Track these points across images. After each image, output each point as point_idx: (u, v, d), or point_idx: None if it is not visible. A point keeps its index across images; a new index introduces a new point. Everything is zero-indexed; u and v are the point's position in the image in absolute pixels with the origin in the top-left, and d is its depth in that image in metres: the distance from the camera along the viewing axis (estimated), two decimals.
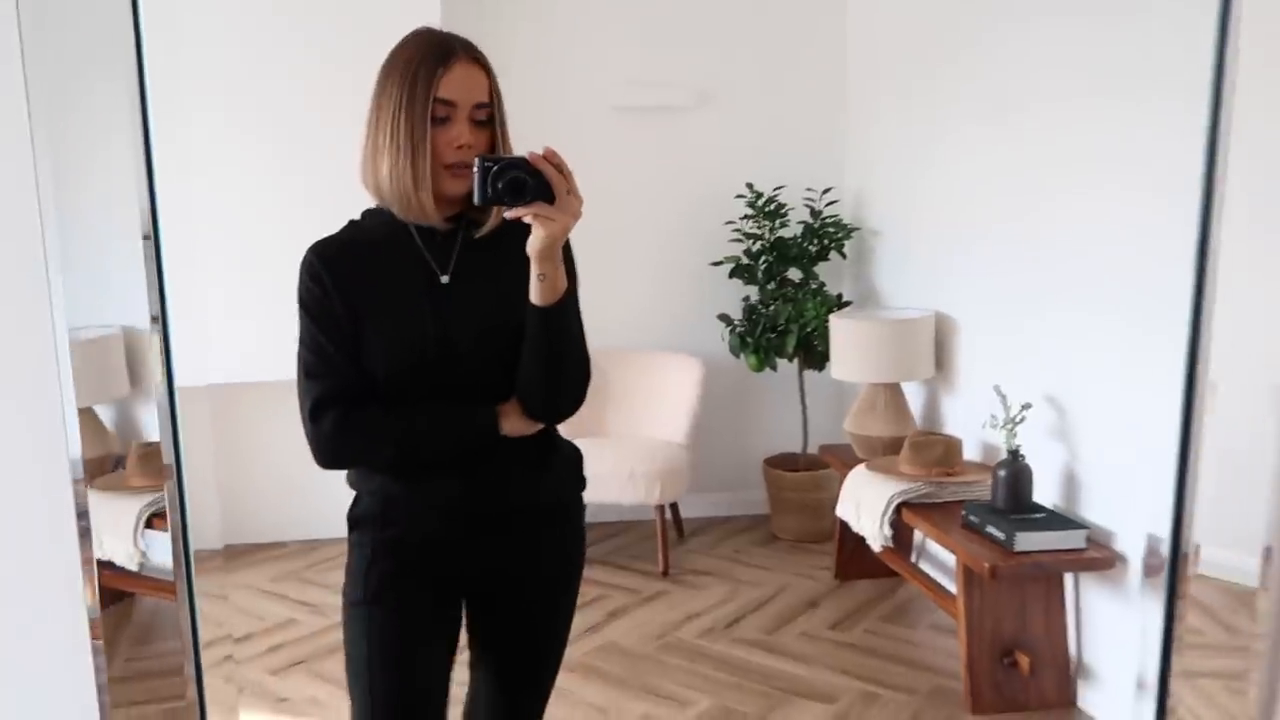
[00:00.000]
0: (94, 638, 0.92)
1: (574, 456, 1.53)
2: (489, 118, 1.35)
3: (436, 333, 1.35)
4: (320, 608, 3.27)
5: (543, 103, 3.82)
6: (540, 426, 1.42)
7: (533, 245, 1.30)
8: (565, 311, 1.35)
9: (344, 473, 1.47)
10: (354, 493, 1.48)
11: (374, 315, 1.36)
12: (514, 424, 1.38)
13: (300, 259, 1.39)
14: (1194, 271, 0.89)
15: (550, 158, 1.27)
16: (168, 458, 0.87)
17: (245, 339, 3.51)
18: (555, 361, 1.36)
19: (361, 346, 1.36)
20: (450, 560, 1.44)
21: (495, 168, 1.25)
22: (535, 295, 1.33)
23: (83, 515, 0.98)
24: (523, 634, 1.52)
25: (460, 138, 1.32)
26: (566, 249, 1.39)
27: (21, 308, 0.99)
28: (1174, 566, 1.12)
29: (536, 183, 1.25)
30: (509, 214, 1.28)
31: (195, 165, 3.33)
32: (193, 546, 0.99)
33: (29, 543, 1.06)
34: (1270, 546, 1.04)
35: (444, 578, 1.45)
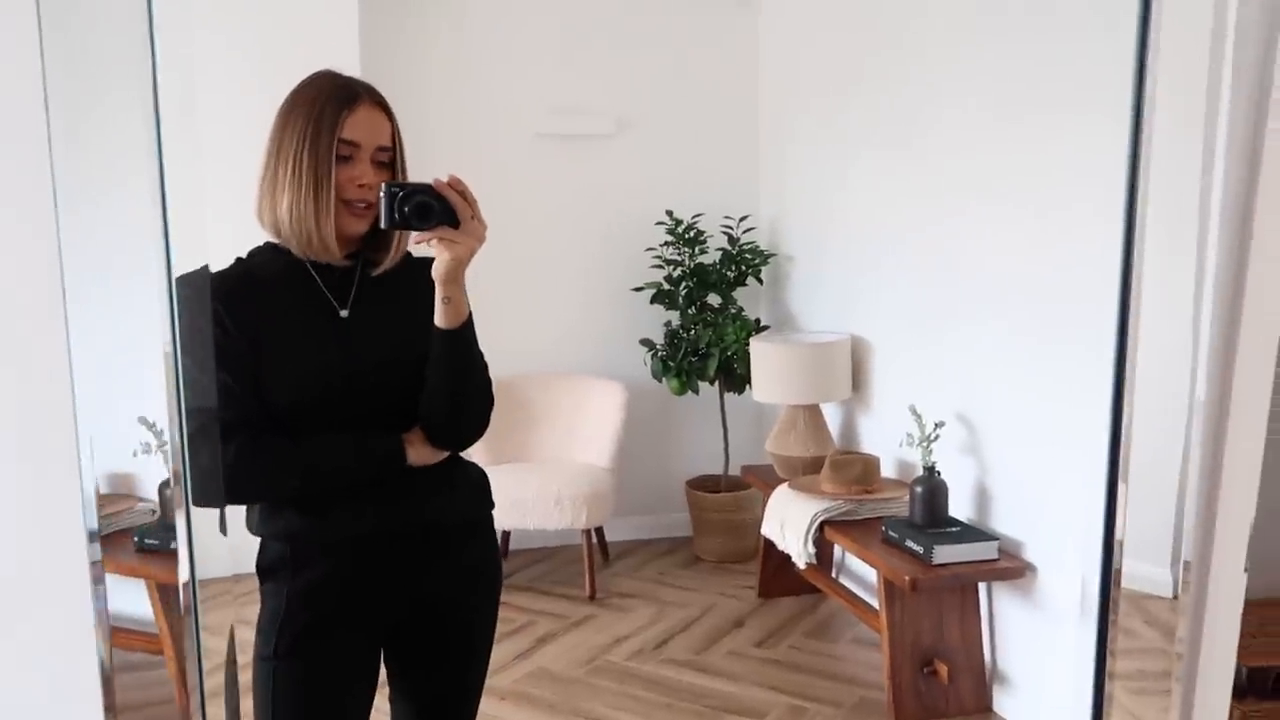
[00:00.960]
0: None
1: (479, 477, 1.54)
2: (390, 160, 1.39)
3: (339, 364, 1.37)
4: (245, 645, 3.17)
5: (464, 131, 3.84)
6: (445, 455, 1.43)
7: (438, 269, 1.34)
8: (469, 335, 1.39)
9: (245, 518, 1.43)
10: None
11: (275, 349, 1.36)
12: (419, 452, 1.40)
13: None
14: (1119, 287, 0.97)
15: (455, 184, 1.31)
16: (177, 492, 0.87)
17: None
18: (460, 385, 1.40)
19: (263, 380, 1.35)
20: (367, 597, 1.42)
21: (401, 193, 1.30)
22: (440, 318, 1.36)
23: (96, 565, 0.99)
24: (443, 657, 1.51)
25: (362, 177, 1.35)
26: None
27: (38, 343, 0.99)
28: (1106, 583, 1.18)
29: (442, 207, 1.30)
30: (416, 238, 1.33)
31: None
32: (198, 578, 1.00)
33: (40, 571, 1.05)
34: (1188, 560, 1.11)
35: (362, 619, 1.43)
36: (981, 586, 2.66)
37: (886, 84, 3.14)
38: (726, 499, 3.88)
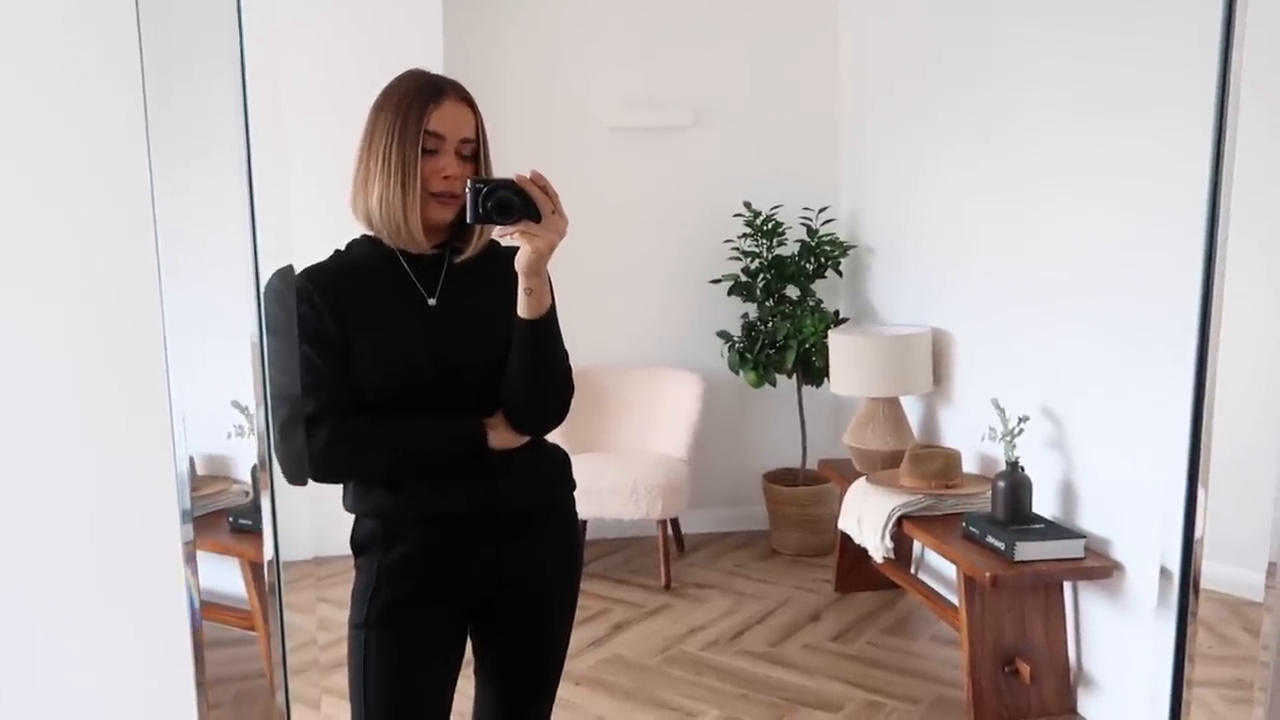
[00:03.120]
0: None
1: (561, 460, 1.58)
2: (474, 152, 1.44)
3: (426, 350, 1.43)
4: (325, 623, 3.28)
5: (541, 126, 3.89)
6: (526, 439, 1.48)
7: (520, 261, 1.38)
8: (550, 325, 1.44)
9: (340, 497, 1.50)
10: (353, 517, 1.51)
11: (365, 335, 1.42)
12: (501, 436, 1.45)
13: None
14: (1201, 286, 0.94)
15: (536, 180, 1.36)
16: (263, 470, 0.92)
17: None
18: (541, 373, 1.45)
19: (352, 365, 1.42)
20: (453, 573, 1.48)
21: (485, 189, 1.35)
22: (523, 309, 1.41)
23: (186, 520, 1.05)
24: (523, 635, 1.56)
25: (447, 169, 1.41)
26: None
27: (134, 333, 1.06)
28: (1185, 585, 1.15)
29: (523, 202, 1.35)
30: (498, 232, 1.39)
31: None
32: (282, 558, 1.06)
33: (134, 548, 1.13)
34: (1275, 562, 1.07)
35: (448, 594, 1.49)
36: (1067, 585, 2.59)
37: (968, 76, 3.08)
38: (803, 493, 3.85)
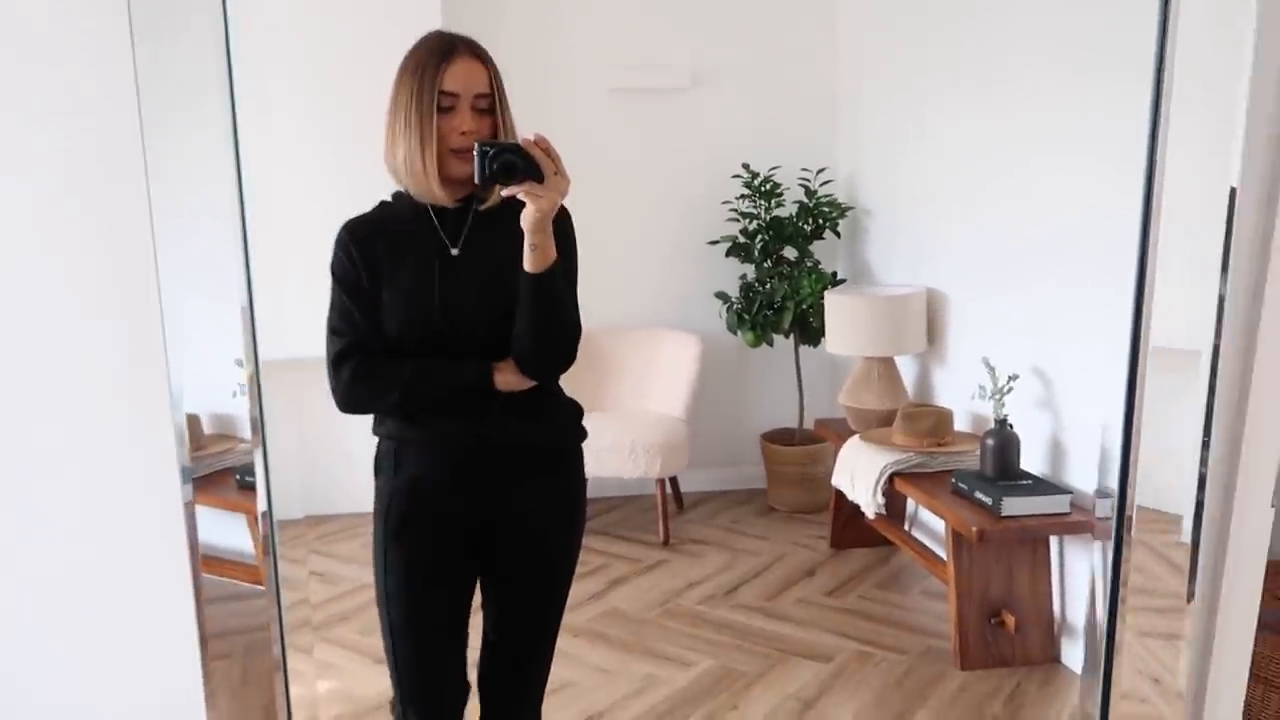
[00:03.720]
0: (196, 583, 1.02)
1: (570, 410, 1.67)
2: (490, 106, 1.52)
3: (442, 297, 1.53)
4: (329, 576, 3.37)
5: (540, 88, 3.89)
6: (531, 384, 1.56)
7: (525, 218, 1.47)
8: (554, 279, 1.51)
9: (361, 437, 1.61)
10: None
11: (391, 283, 1.54)
12: (507, 379, 1.54)
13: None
14: (1138, 250, 0.99)
15: (539, 143, 1.45)
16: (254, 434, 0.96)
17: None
18: (544, 323, 1.52)
19: (380, 309, 1.54)
20: (457, 500, 1.59)
21: (491, 152, 1.43)
22: (528, 263, 1.49)
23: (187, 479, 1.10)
24: (523, 574, 1.66)
25: (463, 124, 1.49)
26: (567, 231, 1.58)
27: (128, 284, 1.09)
28: (1120, 517, 1.24)
29: (526, 164, 1.43)
30: (504, 191, 1.47)
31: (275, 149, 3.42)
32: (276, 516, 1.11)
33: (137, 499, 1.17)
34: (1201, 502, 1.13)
35: (453, 518, 1.60)
36: (1054, 540, 2.66)
37: (966, 35, 3.08)
38: (800, 452, 3.92)
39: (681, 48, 4.01)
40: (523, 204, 1.48)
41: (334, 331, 1.57)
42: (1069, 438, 2.64)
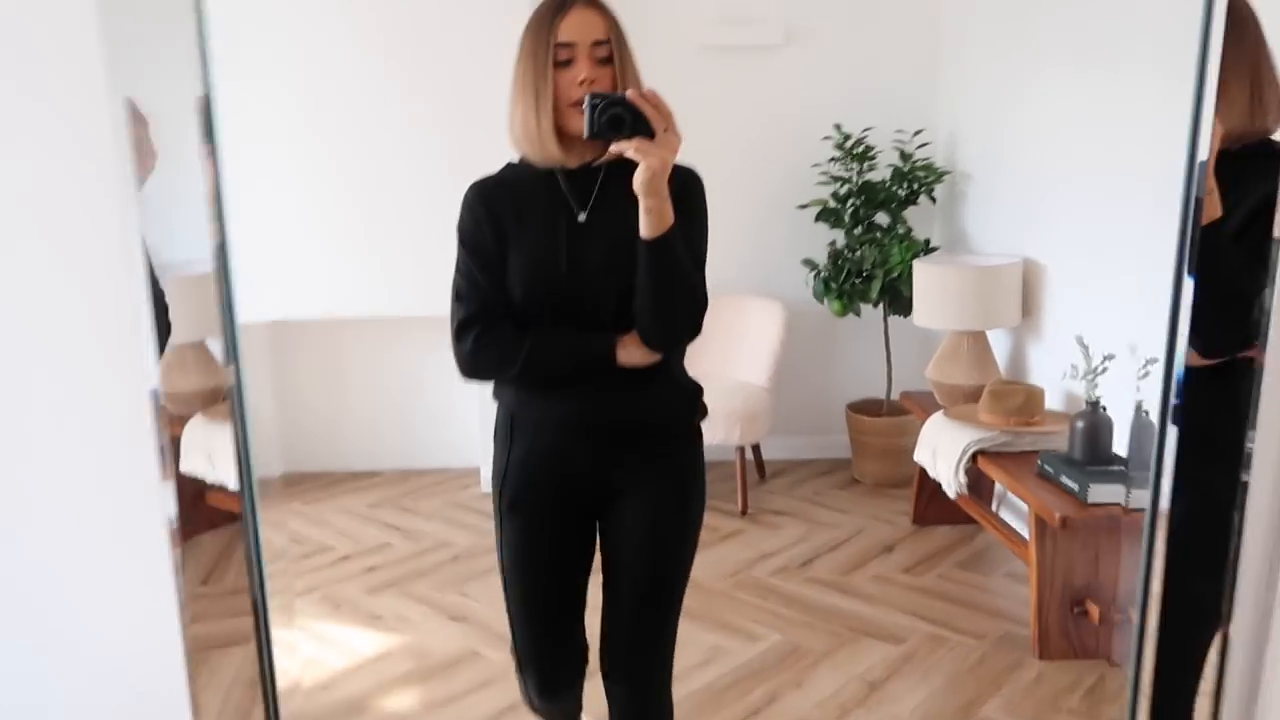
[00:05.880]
0: (174, 546, 1.03)
1: (688, 388, 1.62)
2: (609, 56, 1.45)
3: (568, 265, 1.48)
4: (411, 533, 3.46)
5: (632, 45, 3.83)
6: (657, 358, 1.51)
7: (637, 179, 1.38)
8: (670, 245, 1.42)
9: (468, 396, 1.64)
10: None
11: (517, 247, 1.50)
12: (631, 354, 1.49)
13: (455, 194, 1.55)
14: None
15: (650, 97, 1.37)
16: (231, 386, 0.95)
17: (355, 277, 3.69)
18: (664, 293, 1.45)
19: (506, 274, 1.51)
20: (569, 472, 1.58)
21: (600, 104, 1.37)
22: (644, 228, 1.42)
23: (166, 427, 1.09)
24: (638, 553, 1.60)
25: (581, 73, 1.43)
26: (694, 194, 1.51)
27: (110, 245, 1.09)
28: (1155, 499, 1.20)
29: (634, 118, 1.36)
30: (612, 148, 1.39)
31: (255, 108, 3.51)
32: (255, 472, 1.10)
33: (117, 463, 1.18)
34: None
35: (563, 494, 1.59)
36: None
37: None
38: (887, 423, 3.81)
39: (773, 2, 3.88)
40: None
41: (459, 297, 1.54)
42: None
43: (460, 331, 1.52)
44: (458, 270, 1.54)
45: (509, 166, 1.56)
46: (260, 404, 3.90)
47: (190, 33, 0.90)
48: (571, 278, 1.48)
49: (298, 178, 3.62)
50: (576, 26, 1.43)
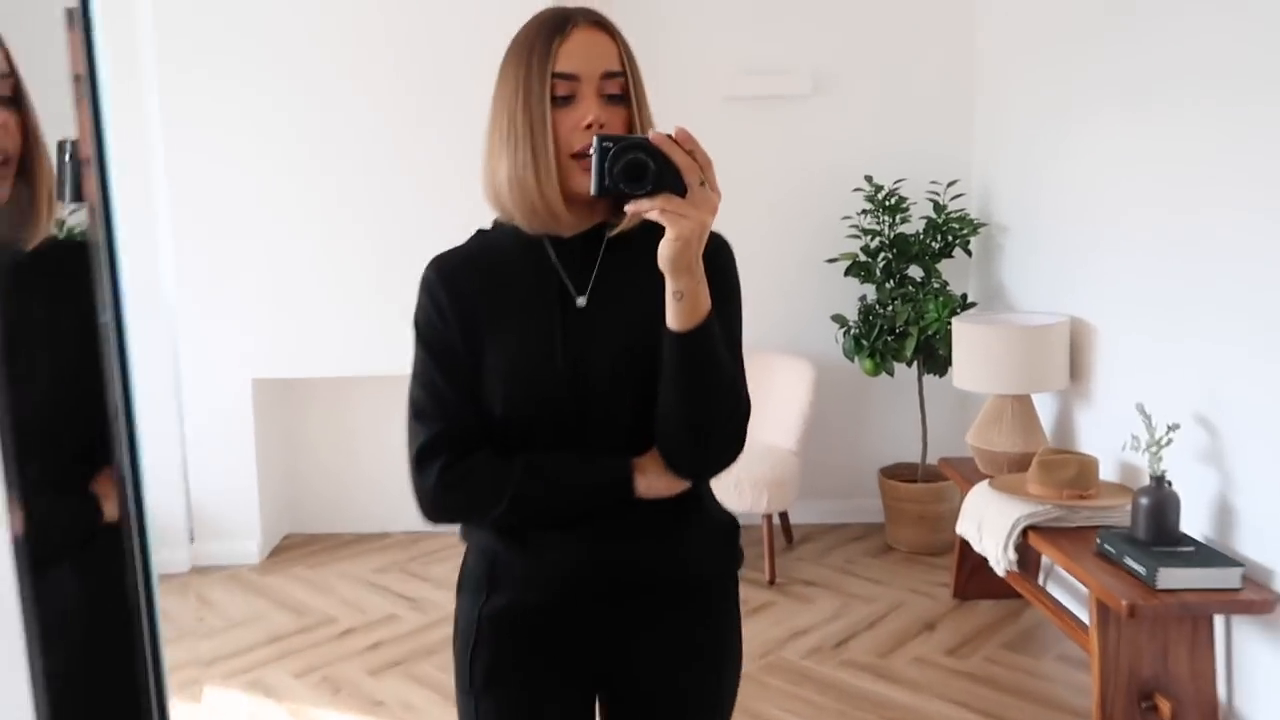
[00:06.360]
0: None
1: (725, 525, 1.27)
2: (623, 90, 1.13)
3: (568, 367, 1.13)
4: (421, 603, 3.27)
5: (651, 95, 3.71)
6: (685, 485, 1.16)
7: (663, 252, 1.05)
8: (707, 337, 1.09)
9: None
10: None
11: (497, 345, 1.15)
12: (652, 482, 1.14)
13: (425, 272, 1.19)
14: None
15: (682, 139, 1.04)
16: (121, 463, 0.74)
17: (352, 335, 3.55)
18: (698, 400, 1.11)
19: (481, 382, 1.15)
20: (566, 637, 1.20)
21: (614, 148, 1.03)
22: (673, 318, 1.08)
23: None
24: None
25: (587, 115, 1.10)
26: (728, 269, 1.19)
27: None
28: None
29: (660, 168, 1.02)
30: (629, 207, 1.04)
31: (219, 158, 3.42)
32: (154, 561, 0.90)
33: None
34: None
35: (562, 662, 1.21)
36: (1219, 617, 2.30)
37: (1118, 42, 2.73)
38: (923, 489, 3.61)
39: (802, 50, 3.76)
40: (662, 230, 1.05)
41: (418, 414, 1.16)
42: (1242, 499, 2.28)
43: (421, 461, 1.14)
44: (415, 378, 1.17)
45: (480, 235, 1.22)
46: (269, 462, 3.74)
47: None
48: (571, 384, 1.13)
49: (302, 235, 3.51)
50: (581, 54, 1.10)
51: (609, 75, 1.12)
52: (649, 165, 1.02)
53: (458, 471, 1.14)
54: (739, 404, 1.15)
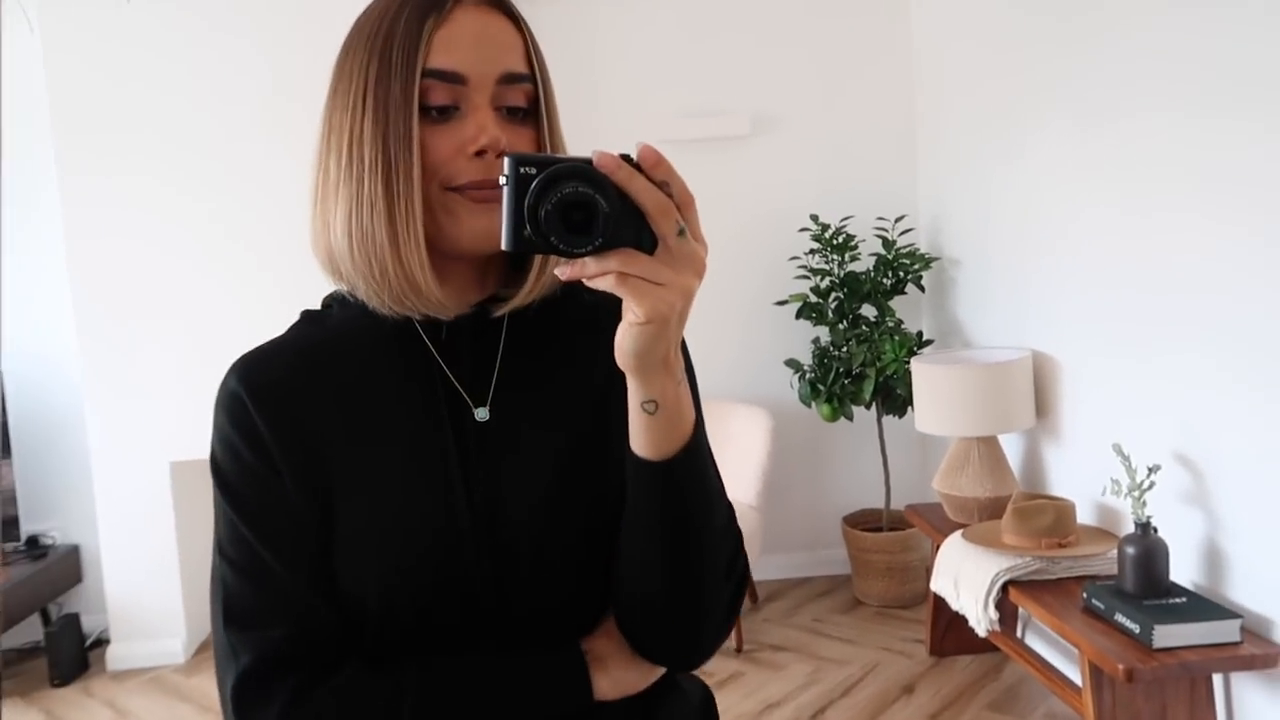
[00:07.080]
0: None
1: (702, 700, 0.92)
2: (530, 101, 0.78)
3: (471, 520, 0.76)
4: None
5: (586, 139, 3.55)
6: (660, 673, 0.82)
7: (624, 342, 0.67)
8: (696, 463, 0.73)
9: None
10: None
11: (358, 497, 0.76)
12: (619, 678, 0.78)
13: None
14: None
15: (649, 165, 0.65)
16: None
17: None
18: (688, 558, 0.75)
19: (335, 556, 0.76)
20: None
21: (540, 178, 0.62)
22: (642, 439, 0.71)
23: None
24: None
25: (479, 135, 0.74)
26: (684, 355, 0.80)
27: None
28: None
29: (615, 210, 0.63)
30: (563, 272, 0.64)
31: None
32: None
33: None
34: None
35: None
36: (1217, 674, 2.15)
37: (1065, 58, 2.64)
38: (889, 539, 3.44)
39: (741, 91, 3.64)
40: (603, 296, 0.67)
41: (234, 617, 0.74)
42: (1230, 542, 2.14)
43: (245, 699, 0.73)
44: (221, 554, 0.76)
45: (309, 320, 0.84)
46: (192, 550, 3.46)
47: None
48: (479, 546, 0.76)
49: (215, 310, 3.27)
50: (470, 44, 0.74)
51: (510, 79, 0.76)
52: (598, 204, 0.62)
53: (312, 709, 0.72)
54: (738, 552, 0.79)
